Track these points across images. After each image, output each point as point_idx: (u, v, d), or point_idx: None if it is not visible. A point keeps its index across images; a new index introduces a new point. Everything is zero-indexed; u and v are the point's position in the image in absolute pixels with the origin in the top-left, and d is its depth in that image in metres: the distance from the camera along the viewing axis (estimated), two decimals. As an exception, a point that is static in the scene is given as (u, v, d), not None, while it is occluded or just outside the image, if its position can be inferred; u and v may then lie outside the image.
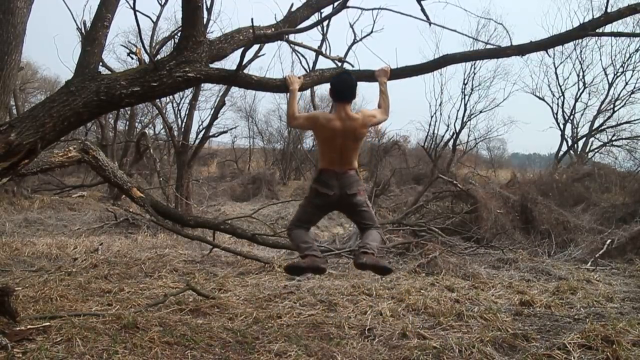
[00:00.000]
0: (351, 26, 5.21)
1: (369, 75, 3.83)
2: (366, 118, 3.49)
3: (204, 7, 3.78)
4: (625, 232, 8.03)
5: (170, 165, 16.11)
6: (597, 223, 9.05)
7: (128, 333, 3.61)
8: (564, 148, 18.15)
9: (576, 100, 17.96)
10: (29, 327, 3.56)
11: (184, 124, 13.70)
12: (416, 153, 21.92)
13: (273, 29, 4.11)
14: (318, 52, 4.65)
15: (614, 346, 3.54)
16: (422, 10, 4.06)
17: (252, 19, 3.75)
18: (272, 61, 48.43)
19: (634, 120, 16.97)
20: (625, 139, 17.36)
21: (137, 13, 3.72)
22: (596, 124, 17.67)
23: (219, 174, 22.72)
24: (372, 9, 4.44)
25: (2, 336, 3.27)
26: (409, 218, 9.26)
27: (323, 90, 16.56)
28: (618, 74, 17.02)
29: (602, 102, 17.42)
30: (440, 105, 17.76)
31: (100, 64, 4.07)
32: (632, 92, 16.82)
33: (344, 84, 3.51)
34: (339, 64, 4.34)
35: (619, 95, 17.13)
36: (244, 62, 3.75)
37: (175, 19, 12.97)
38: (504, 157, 30.04)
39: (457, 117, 17.58)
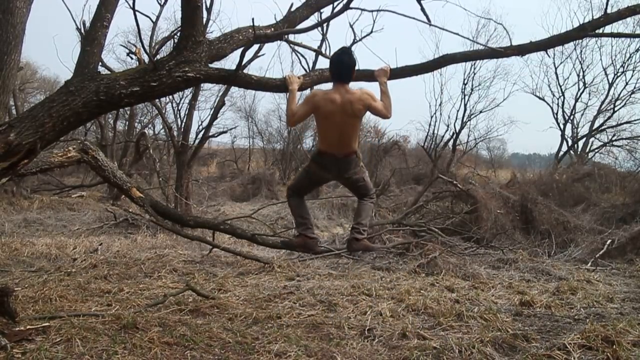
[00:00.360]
0: (351, 26, 5.20)
1: (368, 75, 3.84)
2: (364, 94, 3.55)
3: (204, 7, 3.79)
4: (625, 232, 8.03)
5: (170, 166, 16.06)
6: (597, 223, 9.05)
7: (127, 333, 3.61)
8: (564, 148, 18.21)
9: (576, 100, 18.01)
10: (28, 327, 3.54)
11: (183, 124, 13.64)
12: (416, 153, 21.91)
13: (273, 29, 4.11)
14: (318, 52, 4.65)
15: (614, 346, 3.53)
16: (422, 10, 4.05)
17: (252, 19, 3.77)
18: (272, 61, 48.61)
19: (634, 120, 17.02)
20: (626, 139, 17.38)
21: (137, 13, 3.71)
22: (596, 124, 17.71)
23: (219, 174, 22.66)
24: (372, 10, 4.43)
25: (2, 336, 3.26)
26: (409, 218, 9.26)
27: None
28: (618, 74, 17.07)
29: (602, 102, 17.47)
30: (440, 105, 17.84)
31: (100, 64, 4.07)
32: (633, 92, 16.87)
33: (342, 65, 3.58)
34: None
35: (619, 95, 17.19)
36: (243, 62, 3.75)
37: (175, 18, 13.00)
38: (504, 157, 30.08)
39: (457, 117, 17.67)
